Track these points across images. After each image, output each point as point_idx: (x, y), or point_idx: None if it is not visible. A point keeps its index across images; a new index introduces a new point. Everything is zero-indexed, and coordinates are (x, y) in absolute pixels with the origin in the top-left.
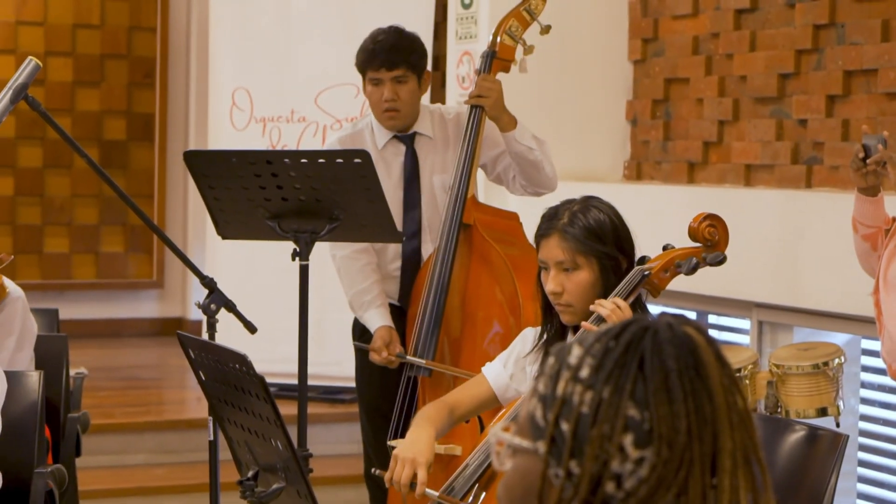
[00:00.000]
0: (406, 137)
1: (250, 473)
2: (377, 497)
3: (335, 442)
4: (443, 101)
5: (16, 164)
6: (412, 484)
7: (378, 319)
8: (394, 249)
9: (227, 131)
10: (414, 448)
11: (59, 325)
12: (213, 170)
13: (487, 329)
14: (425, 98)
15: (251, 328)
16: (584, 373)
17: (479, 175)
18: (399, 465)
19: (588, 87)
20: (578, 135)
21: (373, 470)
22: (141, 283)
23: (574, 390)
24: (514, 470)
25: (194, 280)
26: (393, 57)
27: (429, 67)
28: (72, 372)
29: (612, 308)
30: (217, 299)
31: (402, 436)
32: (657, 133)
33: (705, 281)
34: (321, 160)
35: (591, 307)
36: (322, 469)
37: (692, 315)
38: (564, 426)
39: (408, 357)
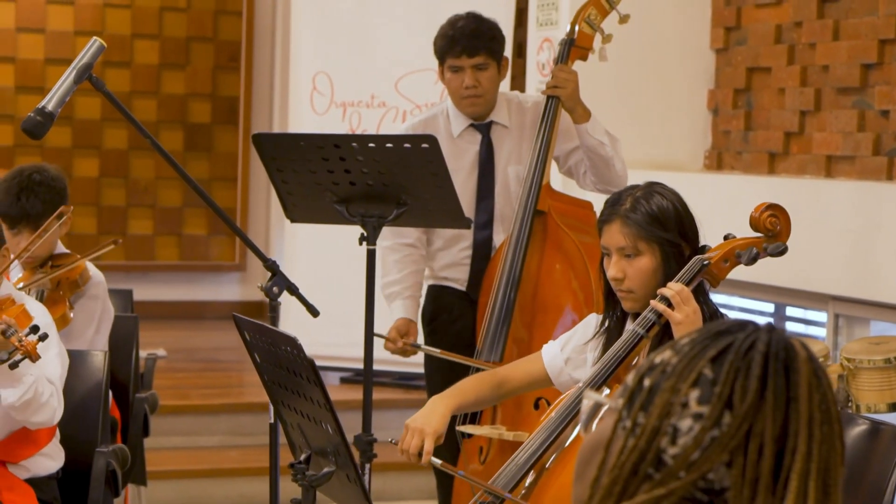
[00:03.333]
0: (482, 126)
1: (303, 457)
2: (443, 483)
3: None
4: (524, 89)
5: (101, 146)
6: (420, 453)
7: (400, 311)
8: (465, 238)
9: (307, 115)
10: (425, 419)
11: (134, 306)
12: (282, 153)
13: (560, 317)
14: (504, 85)
15: (313, 311)
16: (680, 344)
17: (553, 166)
18: (409, 435)
19: (669, 76)
20: (659, 124)
21: (390, 440)
22: (223, 265)
23: (665, 356)
24: (595, 429)
25: (289, 264)
26: (474, 43)
27: (508, 54)
28: (150, 353)
29: (679, 289)
30: (279, 282)
31: (471, 421)
32: (738, 123)
33: (782, 273)
34: (388, 144)
35: (659, 291)
36: (391, 455)
37: (769, 307)
38: (646, 382)
39: (423, 347)
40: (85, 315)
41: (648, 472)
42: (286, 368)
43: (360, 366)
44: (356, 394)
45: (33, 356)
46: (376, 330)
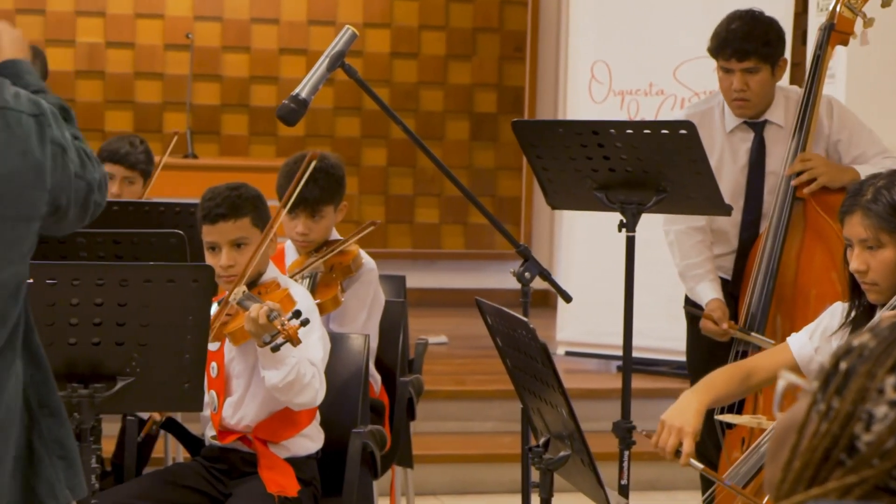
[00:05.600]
0: (756, 125)
1: (541, 441)
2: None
3: (653, 417)
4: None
5: (388, 136)
6: (677, 451)
7: (710, 292)
8: (731, 236)
9: (585, 104)
10: (682, 416)
11: (406, 292)
12: (541, 140)
13: (821, 305)
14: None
15: (566, 297)
16: (881, 328)
17: None
18: (665, 433)
19: None
20: None
21: (642, 431)
22: (508, 253)
23: (864, 340)
24: (789, 410)
25: (561, 252)
26: (744, 47)
27: (789, 43)
28: (420, 338)
29: None
30: (531, 267)
31: (733, 410)
32: None
33: None
34: (646, 131)
35: None
36: (642, 444)
37: None
38: (842, 365)
39: (738, 332)
40: (357, 301)
41: (841, 459)
42: (523, 352)
43: (640, 354)
44: (633, 382)
45: (295, 340)
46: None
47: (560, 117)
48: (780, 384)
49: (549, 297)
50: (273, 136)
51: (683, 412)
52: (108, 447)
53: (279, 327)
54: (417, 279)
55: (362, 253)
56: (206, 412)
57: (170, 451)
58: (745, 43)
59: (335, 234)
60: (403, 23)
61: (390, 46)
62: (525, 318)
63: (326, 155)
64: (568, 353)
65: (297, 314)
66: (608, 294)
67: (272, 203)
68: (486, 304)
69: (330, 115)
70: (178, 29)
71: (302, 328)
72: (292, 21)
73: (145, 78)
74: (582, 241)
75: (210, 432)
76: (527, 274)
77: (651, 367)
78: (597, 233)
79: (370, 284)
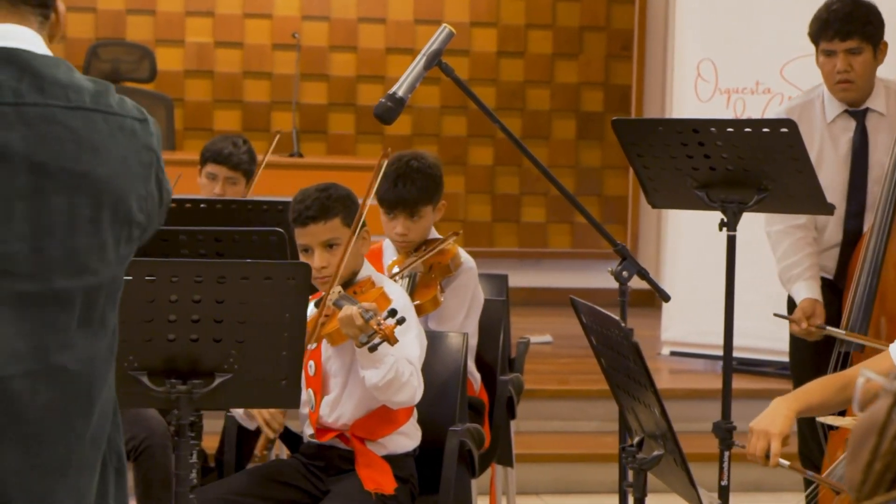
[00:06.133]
0: (858, 113)
1: (635, 440)
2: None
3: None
4: None
5: (495, 135)
6: (767, 455)
7: (804, 291)
8: (835, 227)
9: (691, 102)
10: (768, 420)
11: (508, 291)
12: (641, 139)
13: None
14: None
15: (664, 296)
16: None
17: None
18: (755, 438)
19: None
20: None
21: (738, 444)
22: (613, 253)
23: None
24: (868, 410)
25: (667, 251)
26: (846, 27)
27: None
28: (522, 338)
29: None
30: (629, 266)
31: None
32: None
33: None
34: (747, 129)
35: None
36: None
37: None
38: None
39: (827, 328)
40: (456, 300)
41: None
42: (617, 351)
43: (746, 354)
44: (738, 382)
45: (391, 339)
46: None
47: (666, 116)
48: (860, 381)
49: (655, 297)
50: (379, 134)
51: (771, 417)
52: (212, 443)
53: (375, 327)
54: (523, 278)
55: (461, 252)
56: (304, 410)
57: (273, 447)
58: (847, 23)
59: (434, 234)
60: (510, 22)
61: (497, 45)
62: (616, 318)
63: (424, 154)
64: (673, 353)
65: (393, 313)
66: (714, 293)
67: (374, 203)
68: (581, 302)
69: (437, 114)
70: (286, 28)
71: (399, 326)
72: (399, 20)
73: (253, 77)
74: (687, 241)
75: (308, 430)
76: (624, 273)
77: (756, 367)
78: (702, 232)
79: (469, 283)
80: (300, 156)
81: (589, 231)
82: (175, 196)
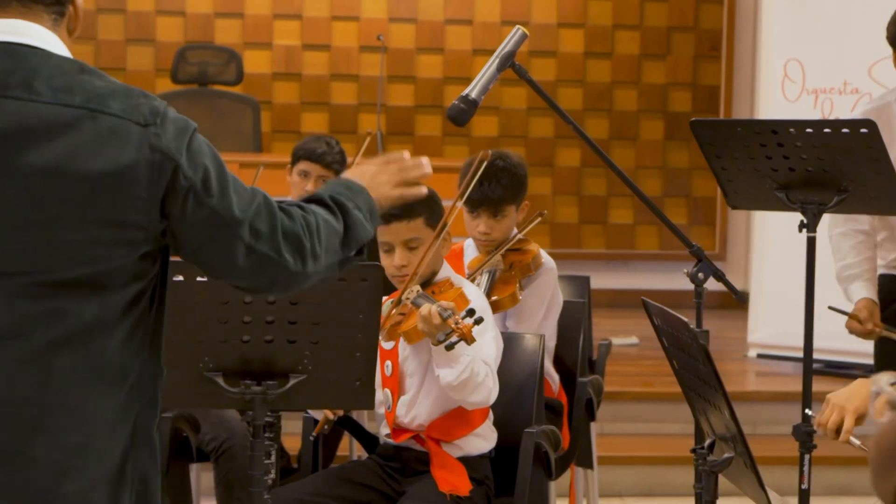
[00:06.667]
0: None
1: (707, 442)
2: None
3: None
4: None
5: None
6: (838, 430)
7: (861, 291)
8: None
9: (778, 103)
10: (845, 395)
11: (590, 293)
12: (720, 139)
13: None
14: None
15: (740, 298)
16: None
17: None
18: (829, 410)
19: None
20: None
21: (808, 412)
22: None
23: None
24: (890, 421)
25: (755, 253)
26: None
27: None
28: (623, 341)
29: None
30: (704, 268)
31: None
32: None
33: None
34: (826, 130)
35: None
36: (829, 448)
37: None
38: None
39: (885, 331)
40: (535, 300)
41: None
42: (687, 353)
43: (832, 357)
44: (824, 385)
45: (469, 339)
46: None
47: (754, 117)
48: (874, 390)
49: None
50: (466, 136)
51: (848, 392)
52: (295, 444)
53: (453, 326)
54: (610, 280)
55: (543, 253)
56: (381, 410)
57: (354, 449)
58: None
59: (517, 234)
60: (597, 22)
61: (584, 46)
62: (685, 319)
63: (508, 154)
64: (759, 356)
65: (471, 312)
66: (801, 295)
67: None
68: (652, 304)
69: (524, 115)
70: (373, 31)
71: (476, 326)
72: (485, 21)
73: (340, 80)
74: (774, 242)
75: (384, 430)
76: (700, 275)
77: (843, 370)
78: (789, 233)
79: (548, 284)
80: None
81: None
82: None
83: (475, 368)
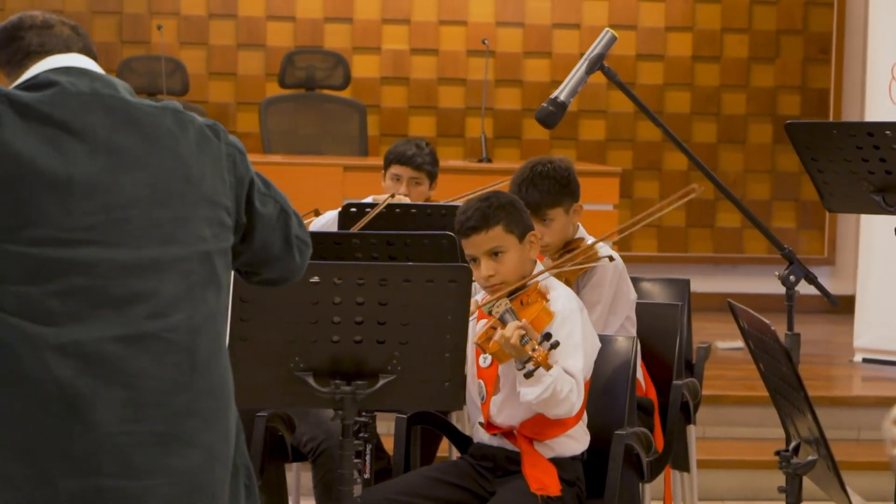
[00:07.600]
0: None
1: (792, 445)
2: None
3: None
4: None
5: (688, 140)
6: None
7: None
8: None
9: (885, 106)
10: None
11: (690, 296)
12: (815, 142)
13: None
14: None
15: (832, 301)
16: None
17: None
18: None
19: None
20: None
21: None
22: (811, 259)
23: None
24: None
25: (864, 257)
26: None
27: None
28: (703, 343)
29: None
30: (796, 271)
31: None
32: None
33: None
34: None
35: None
36: None
37: None
38: None
39: None
40: (591, 298)
41: None
42: (771, 356)
43: None
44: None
45: (545, 366)
46: None
47: (863, 120)
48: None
49: (851, 304)
50: (573, 140)
51: None
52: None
53: (530, 352)
54: (719, 284)
55: (607, 250)
56: (477, 401)
57: (453, 450)
58: None
59: (583, 233)
60: (705, 26)
61: (692, 50)
62: (768, 322)
63: (552, 159)
64: (865, 360)
65: (548, 336)
66: None
67: None
68: (738, 307)
69: (632, 118)
70: (481, 35)
71: (553, 351)
72: (593, 25)
73: (448, 84)
74: (881, 246)
75: (478, 418)
76: (791, 277)
77: None
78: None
79: (604, 280)
80: (489, 161)
81: (784, 236)
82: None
83: (558, 387)
